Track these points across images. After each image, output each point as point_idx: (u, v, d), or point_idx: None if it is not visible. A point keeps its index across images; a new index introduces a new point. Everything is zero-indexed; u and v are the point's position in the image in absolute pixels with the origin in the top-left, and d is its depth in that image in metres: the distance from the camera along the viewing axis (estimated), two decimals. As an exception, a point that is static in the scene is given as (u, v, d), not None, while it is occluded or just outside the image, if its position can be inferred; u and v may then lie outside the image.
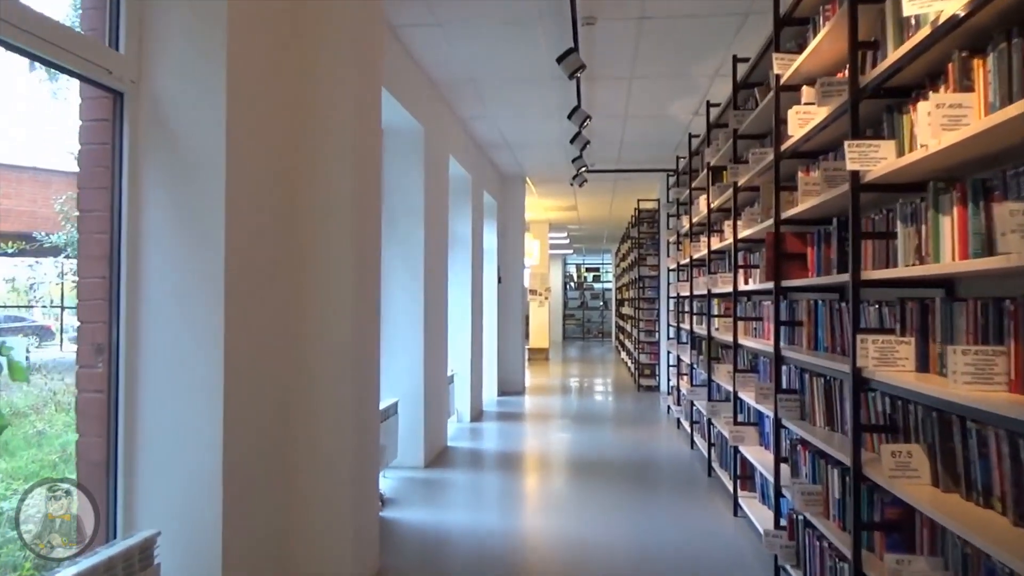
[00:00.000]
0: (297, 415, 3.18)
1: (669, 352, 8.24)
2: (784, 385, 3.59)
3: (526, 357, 14.70)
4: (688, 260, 6.71)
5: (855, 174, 2.47)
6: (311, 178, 3.22)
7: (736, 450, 4.48)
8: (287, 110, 3.13)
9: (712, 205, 5.43)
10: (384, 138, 4.96)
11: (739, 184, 4.43)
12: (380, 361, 3.70)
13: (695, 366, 6.29)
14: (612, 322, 22.76)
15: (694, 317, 6.58)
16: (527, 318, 17.24)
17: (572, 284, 25.98)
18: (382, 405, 4.44)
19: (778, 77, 3.45)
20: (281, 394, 3.11)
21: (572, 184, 9.94)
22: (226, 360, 2.60)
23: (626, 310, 14.50)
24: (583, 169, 7.79)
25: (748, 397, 4.22)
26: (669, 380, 8.42)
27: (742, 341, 4.45)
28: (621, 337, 16.54)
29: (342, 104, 3.24)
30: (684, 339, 7.51)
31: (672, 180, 8.41)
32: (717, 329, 5.56)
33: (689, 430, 6.68)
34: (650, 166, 9.14)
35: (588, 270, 26.14)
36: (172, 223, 2.59)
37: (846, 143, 2.41)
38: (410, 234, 5.75)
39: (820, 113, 2.91)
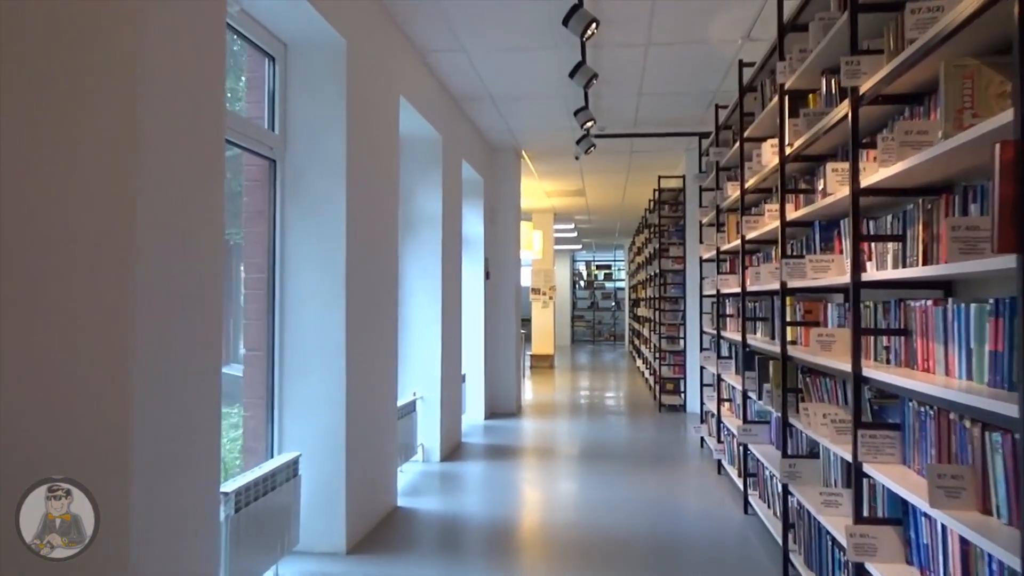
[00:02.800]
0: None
1: (703, 368, 6.33)
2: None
3: (526, 368, 12.80)
4: (737, 243, 4.78)
5: None
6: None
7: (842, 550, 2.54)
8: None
9: (790, 150, 3.49)
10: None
11: (863, 92, 2.49)
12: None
13: (751, 395, 4.36)
14: (625, 324, 20.79)
15: (747, 323, 4.64)
16: (527, 321, 15.34)
17: (581, 283, 24.03)
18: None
19: None
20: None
21: (578, 158, 8.03)
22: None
23: (642, 311, 12.55)
24: (589, 125, 5.86)
25: (889, 477, 2.28)
26: (703, 403, 6.50)
27: (874, 373, 2.49)
28: (636, 342, 14.58)
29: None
30: (727, 352, 5.56)
31: (707, 143, 6.45)
32: (793, 343, 3.64)
33: (740, 483, 4.74)
34: (676, 129, 7.19)
35: (599, 267, 24.17)
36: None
37: None
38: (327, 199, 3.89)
39: None
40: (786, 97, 3.53)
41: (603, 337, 23.20)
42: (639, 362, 13.46)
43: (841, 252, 3.07)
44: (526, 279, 20.09)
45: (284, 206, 3.73)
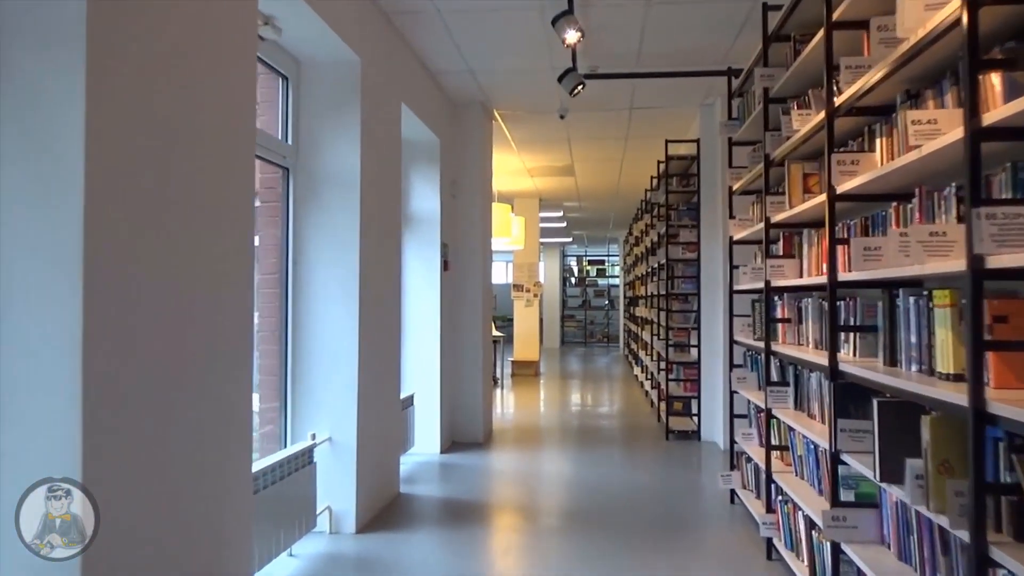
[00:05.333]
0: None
1: (734, 392, 4.49)
2: None
3: (505, 378, 10.93)
4: (815, 204, 2.96)
5: None
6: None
7: None
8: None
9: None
10: None
11: None
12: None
13: (851, 461, 2.51)
14: (620, 324, 18.98)
15: (834, 335, 2.79)
16: (508, 322, 13.49)
17: (572, 279, 22.19)
18: None
19: None
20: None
21: (563, 117, 6.22)
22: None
23: (641, 311, 10.71)
24: (574, 41, 4.02)
25: None
26: (733, 441, 4.66)
27: None
28: (633, 346, 12.75)
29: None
30: (781, 375, 3.73)
31: (737, 83, 4.57)
32: (958, 378, 1.79)
33: (817, 596, 2.90)
34: (693, 67, 5.34)
35: (591, 263, 22.33)
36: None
37: None
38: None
39: None
40: None
41: (595, 338, 21.38)
42: (636, 369, 11.63)
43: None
44: (506, 273, 18.34)
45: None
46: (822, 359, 2.81)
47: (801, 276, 3.49)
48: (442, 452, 6.05)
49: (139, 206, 2.08)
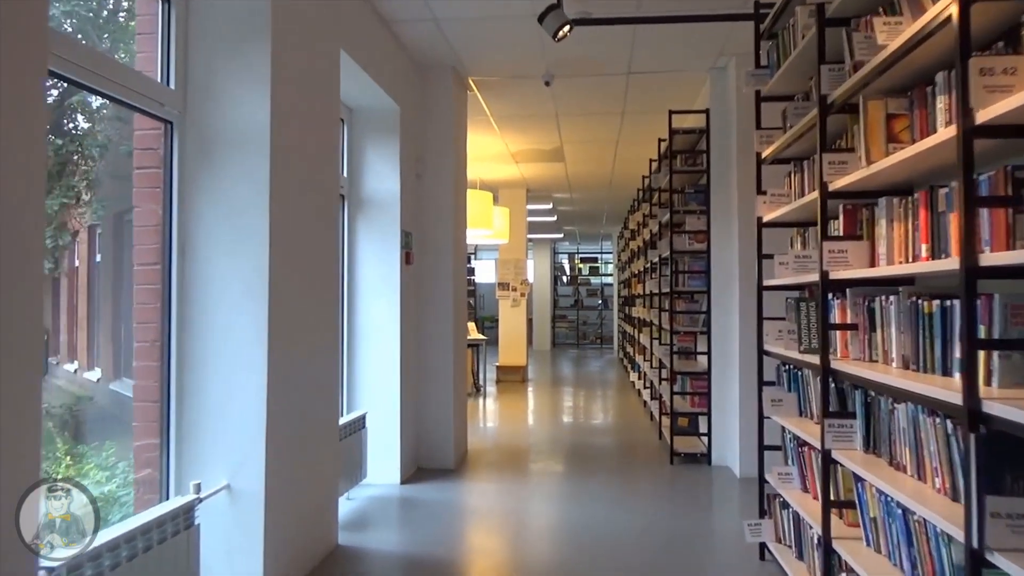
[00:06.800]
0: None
1: (764, 417, 3.47)
2: None
3: (486, 387, 9.90)
4: (876, 170, 1.94)
5: None
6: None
7: None
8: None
9: None
10: None
11: None
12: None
13: (992, 552, 1.49)
14: (614, 324, 17.97)
15: (973, 352, 1.77)
16: (494, 323, 12.47)
17: (564, 278, 21.16)
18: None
19: None
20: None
21: (548, 83, 5.25)
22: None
23: (638, 311, 9.70)
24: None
25: None
26: (763, 479, 3.64)
27: None
28: (629, 348, 11.74)
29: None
30: (837, 402, 2.71)
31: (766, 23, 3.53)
32: None
33: None
34: (708, 10, 4.32)
35: (583, 260, 21.30)
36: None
37: None
38: None
39: None
40: None
41: (588, 340, 20.37)
42: (633, 375, 10.62)
43: None
44: (489, 271, 17.16)
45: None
46: (929, 388, 1.80)
47: (874, 264, 2.49)
48: (403, 482, 5.02)
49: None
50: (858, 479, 2.53)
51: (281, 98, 3.06)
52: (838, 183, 2.57)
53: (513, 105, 6.62)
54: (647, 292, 8.24)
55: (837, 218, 2.74)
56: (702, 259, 5.81)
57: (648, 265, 8.11)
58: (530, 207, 12.19)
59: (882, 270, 2.37)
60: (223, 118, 2.98)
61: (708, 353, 5.67)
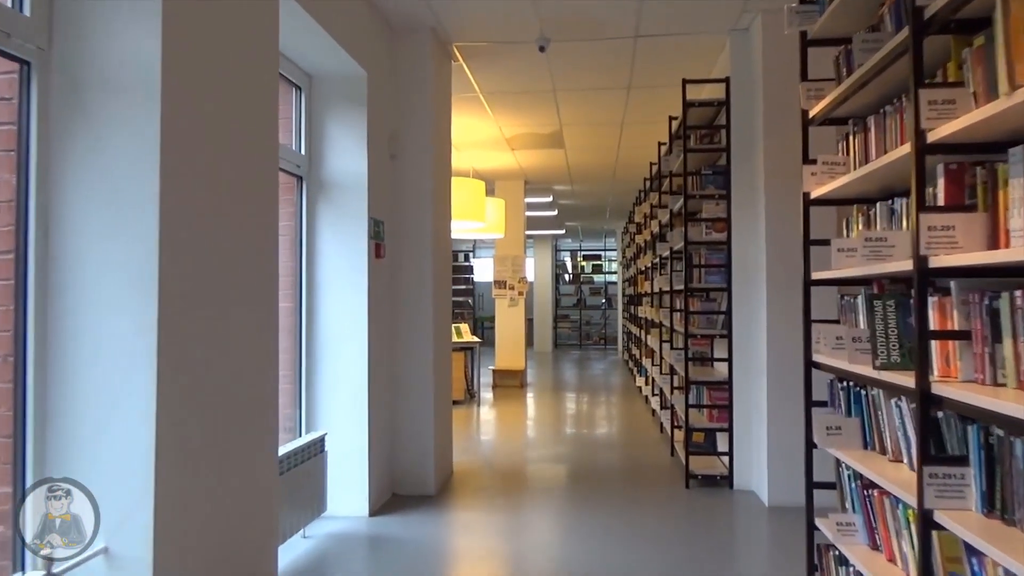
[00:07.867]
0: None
1: (813, 446, 2.70)
2: None
3: (481, 393, 9.12)
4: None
5: None
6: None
7: None
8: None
9: None
10: None
11: None
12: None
13: None
14: (618, 324, 17.21)
15: None
16: (491, 322, 11.71)
17: (566, 276, 20.40)
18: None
19: None
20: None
21: (543, 49, 4.52)
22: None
23: (645, 311, 8.92)
24: None
25: None
26: (813, 525, 2.87)
27: None
28: (635, 351, 10.97)
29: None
30: (935, 440, 1.95)
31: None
32: None
33: None
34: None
35: (586, 258, 20.53)
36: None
37: None
38: None
39: None
40: None
41: (591, 340, 19.61)
42: (639, 380, 9.85)
43: None
44: (488, 269, 16.28)
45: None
46: None
47: (997, 246, 1.73)
48: (373, 514, 4.26)
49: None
50: (972, 551, 1.78)
51: (180, 26, 2.31)
52: (943, 131, 1.81)
53: (504, 78, 5.86)
54: (655, 290, 7.47)
55: (934, 185, 1.98)
56: (721, 251, 5.04)
57: (656, 260, 7.34)
58: (529, 200, 11.43)
59: (1012, 253, 1.62)
60: (101, 54, 2.22)
61: (729, 360, 4.91)
